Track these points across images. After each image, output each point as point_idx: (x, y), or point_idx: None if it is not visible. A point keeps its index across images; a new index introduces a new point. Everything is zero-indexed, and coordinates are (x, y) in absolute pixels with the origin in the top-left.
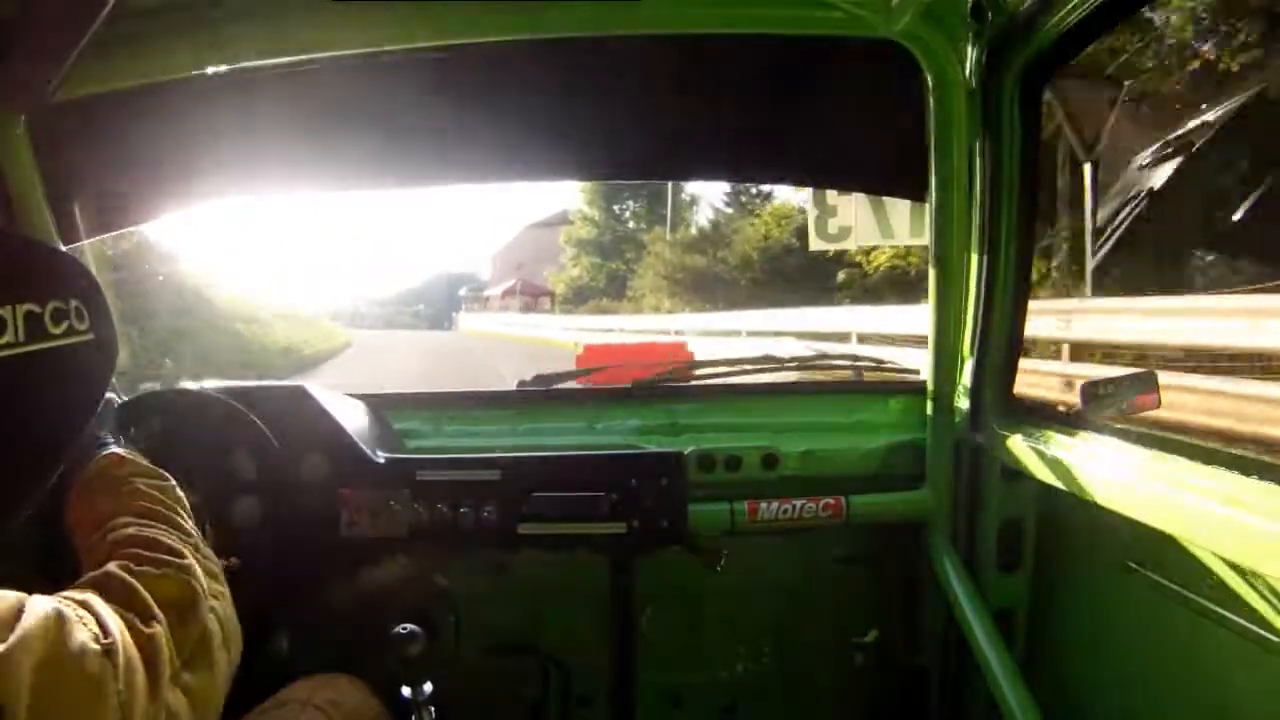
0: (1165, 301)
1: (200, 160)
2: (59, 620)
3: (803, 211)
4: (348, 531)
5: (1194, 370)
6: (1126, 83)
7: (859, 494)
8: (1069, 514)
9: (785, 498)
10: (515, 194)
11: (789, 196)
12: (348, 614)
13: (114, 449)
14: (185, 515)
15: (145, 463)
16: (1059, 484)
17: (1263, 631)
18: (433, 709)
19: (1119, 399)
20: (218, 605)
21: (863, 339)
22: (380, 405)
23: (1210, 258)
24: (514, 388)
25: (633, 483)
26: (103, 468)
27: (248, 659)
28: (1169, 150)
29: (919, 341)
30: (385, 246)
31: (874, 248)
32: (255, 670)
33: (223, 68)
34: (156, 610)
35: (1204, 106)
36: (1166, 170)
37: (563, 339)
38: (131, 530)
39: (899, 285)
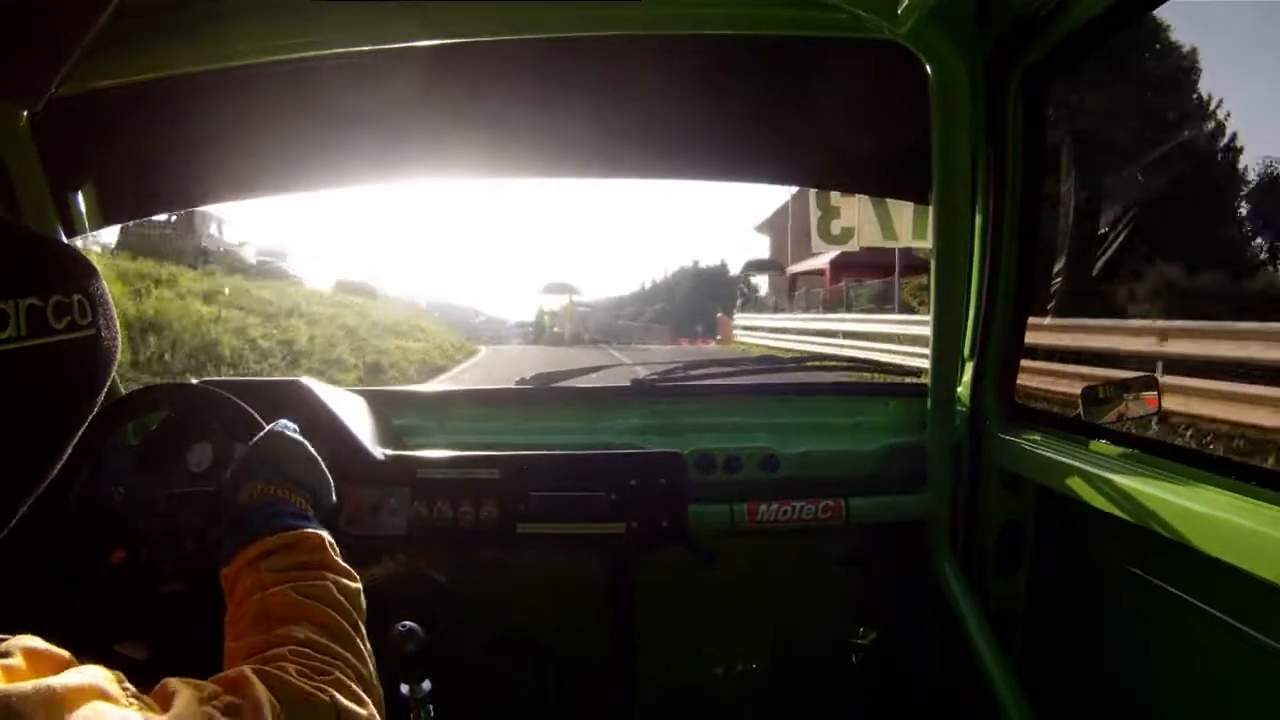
0: None
1: (201, 155)
2: None
3: None
4: (346, 528)
5: None
6: None
7: (858, 496)
8: (1068, 517)
9: (785, 499)
10: None
11: None
12: None
13: (320, 530)
14: (364, 631)
15: (340, 560)
16: (1058, 487)
17: (1260, 635)
18: (431, 707)
19: (1118, 402)
20: None
21: None
22: (380, 402)
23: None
24: (513, 386)
25: (632, 483)
26: (305, 546)
27: None
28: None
29: None
30: (605, 243)
31: None
32: None
33: (224, 64)
34: None
35: None
36: None
37: None
38: (307, 644)
39: None
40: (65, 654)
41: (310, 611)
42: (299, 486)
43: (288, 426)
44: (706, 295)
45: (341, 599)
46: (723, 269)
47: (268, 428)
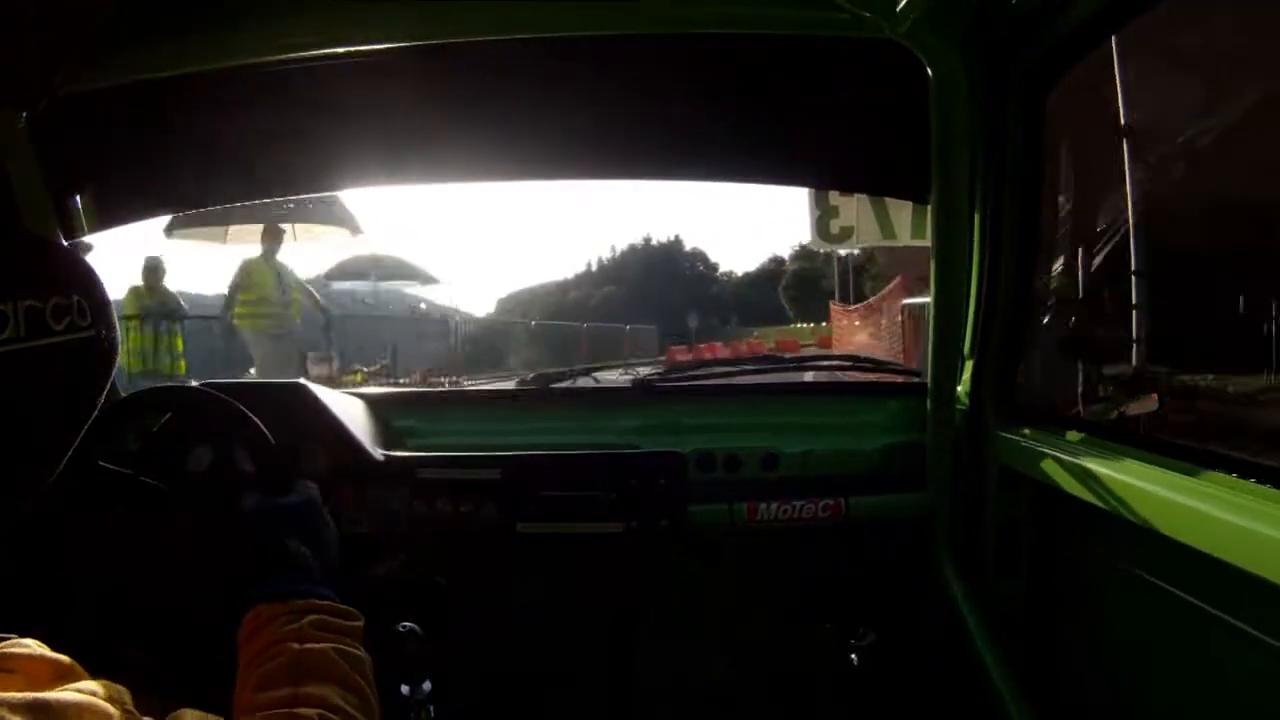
0: None
1: (202, 156)
2: None
3: None
4: (346, 529)
5: None
6: None
7: (859, 494)
8: (1069, 516)
9: (785, 498)
10: None
11: None
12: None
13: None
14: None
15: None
16: (1059, 486)
17: (1261, 634)
18: (431, 707)
19: (1118, 400)
20: None
21: None
22: (380, 403)
23: None
24: (514, 386)
25: (632, 482)
26: (348, 616)
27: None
28: None
29: None
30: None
31: None
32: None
33: (224, 64)
34: None
35: None
36: None
37: None
38: (336, 710)
39: None
40: (67, 660)
41: (344, 675)
42: (321, 564)
43: (315, 492)
44: (665, 275)
45: (368, 673)
46: (677, 244)
47: (307, 491)
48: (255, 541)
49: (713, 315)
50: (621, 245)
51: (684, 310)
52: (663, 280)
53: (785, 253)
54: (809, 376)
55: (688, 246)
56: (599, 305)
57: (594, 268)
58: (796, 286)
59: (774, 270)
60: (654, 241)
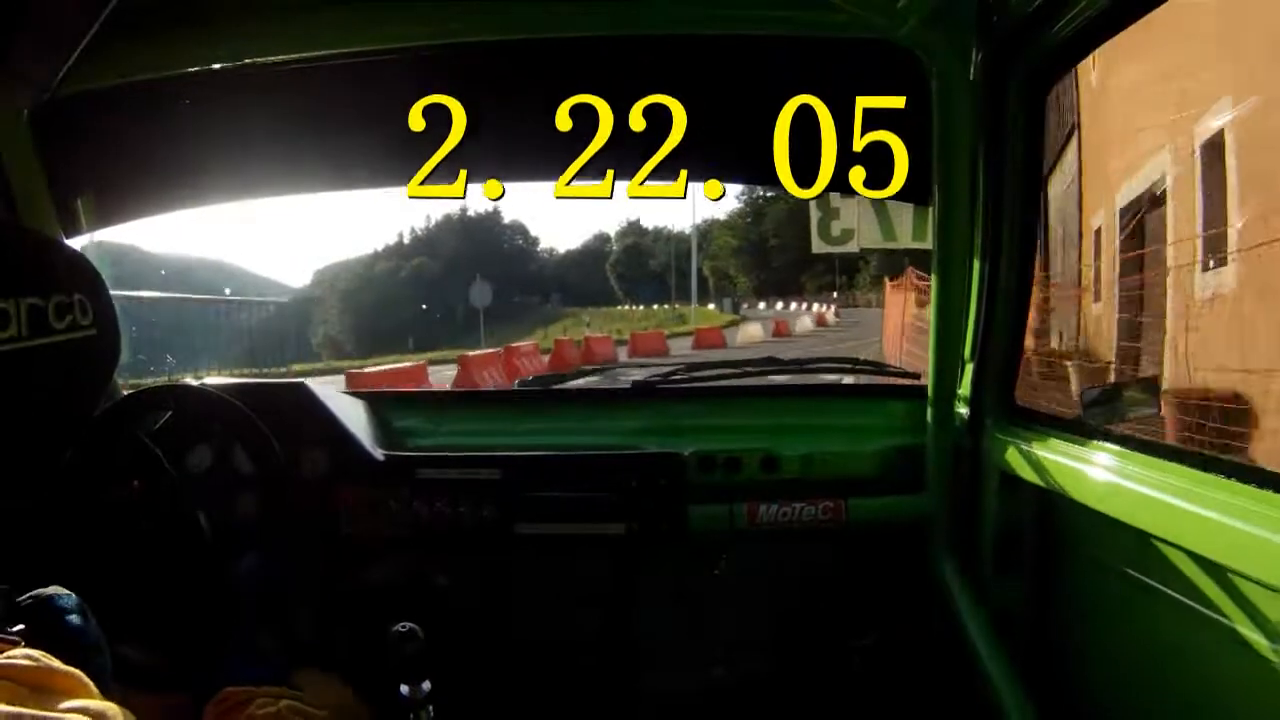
0: None
1: (202, 155)
2: None
3: None
4: (346, 529)
5: None
6: None
7: (859, 497)
8: (1068, 518)
9: (785, 500)
10: None
11: None
12: (346, 611)
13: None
14: None
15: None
16: (1058, 488)
17: (1259, 636)
18: (431, 708)
19: (1118, 405)
20: None
21: None
22: (380, 403)
23: None
24: (514, 387)
25: (632, 483)
26: (308, 705)
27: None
28: None
29: None
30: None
31: None
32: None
33: (223, 64)
34: None
35: None
36: None
37: None
38: None
39: None
40: (78, 674)
41: None
42: (292, 649)
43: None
44: (481, 248)
45: None
46: (495, 216)
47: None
48: (233, 617)
49: (533, 293)
50: (437, 215)
51: (475, 280)
52: (478, 253)
53: (612, 230)
54: (809, 379)
55: (506, 219)
56: (409, 277)
57: (405, 239)
58: (625, 264)
59: (598, 248)
60: (470, 213)
